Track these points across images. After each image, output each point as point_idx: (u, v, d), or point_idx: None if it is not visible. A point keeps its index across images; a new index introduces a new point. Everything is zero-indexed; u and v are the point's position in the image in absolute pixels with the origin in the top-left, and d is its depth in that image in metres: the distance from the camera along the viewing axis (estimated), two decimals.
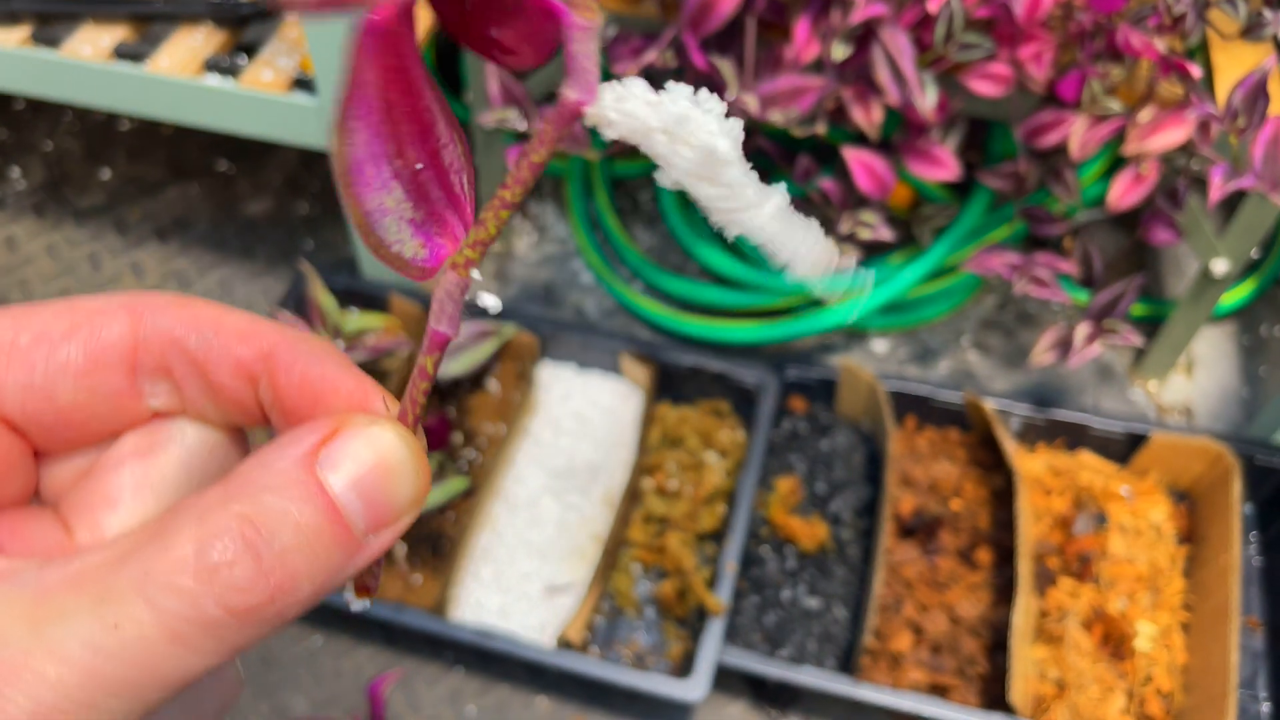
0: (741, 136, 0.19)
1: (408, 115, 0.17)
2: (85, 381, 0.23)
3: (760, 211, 0.19)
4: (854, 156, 0.88)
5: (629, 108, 0.18)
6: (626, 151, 1.30)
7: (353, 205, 0.19)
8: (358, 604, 0.25)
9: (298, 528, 0.19)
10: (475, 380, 1.08)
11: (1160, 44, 0.80)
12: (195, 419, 0.24)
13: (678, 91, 0.18)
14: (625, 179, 1.33)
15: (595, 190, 1.27)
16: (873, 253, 1.18)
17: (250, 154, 1.34)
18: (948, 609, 0.94)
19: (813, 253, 0.20)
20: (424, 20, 1.05)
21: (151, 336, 0.23)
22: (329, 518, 0.20)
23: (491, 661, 0.93)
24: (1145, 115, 0.86)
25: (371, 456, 0.21)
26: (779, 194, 0.19)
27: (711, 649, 0.86)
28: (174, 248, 1.24)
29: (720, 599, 0.88)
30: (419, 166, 0.19)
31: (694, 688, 0.84)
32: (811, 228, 0.20)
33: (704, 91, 0.18)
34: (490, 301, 0.29)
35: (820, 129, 0.85)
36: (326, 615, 0.96)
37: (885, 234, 0.90)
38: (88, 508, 0.23)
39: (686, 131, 0.18)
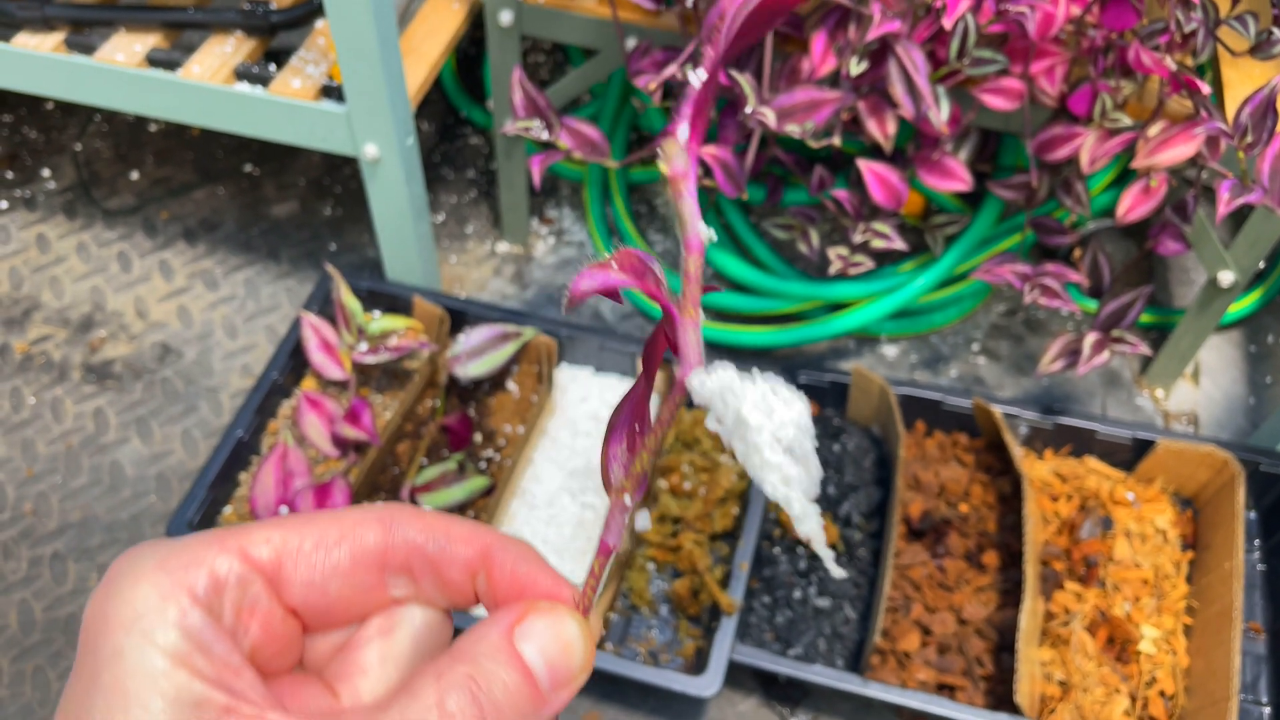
0: (796, 428, 0.24)
1: (638, 409, 0.29)
2: (349, 578, 0.30)
3: (775, 479, 0.25)
4: (868, 168, 0.90)
5: (710, 381, 0.25)
6: (642, 159, 1.32)
7: (603, 453, 0.29)
8: None
9: (505, 685, 0.27)
10: (495, 382, 1.11)
11: (1171, 61, 0.82)
12: (423, 604, 0.31)
13: (761, 381, 0.25)
14: (641, 184, 1.36)
15: (612, 195, 1.30)
16: (885, 260, 1.20)
17: (275, 156, 1.37)
18: (955, 610, 0.96)
19: (811, 519, 0.25)
20: (449, 32, 1.07)
21: (399, 543, 0.30)
22: (525, 678, 0.27)
23: None
24: (1155, 130, 0.88)
25: (553, 633, 0.28)
26: (794, 480, 0.25)
27: (724, 647, 0.88)
28: (201, 248, 1.27)
29: (733, 598, 0.91)
30: (636, 429, 0.29)
31: (707, 684, 0.86)
32: (812, 514, 0.25)
33: (782, 384, 0.25)
34: (642, 522, 0.32)
35: (836, 141, 0.88)
36: None
37: (898, 244, 0.92)
38: (346, 675, 0.30)
39: (734, 399, 0.24)
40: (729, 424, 0.25)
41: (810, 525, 0.26)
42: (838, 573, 0.27)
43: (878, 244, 0.91)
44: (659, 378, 1.06)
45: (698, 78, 0.25)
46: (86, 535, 1.03)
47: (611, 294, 0.27)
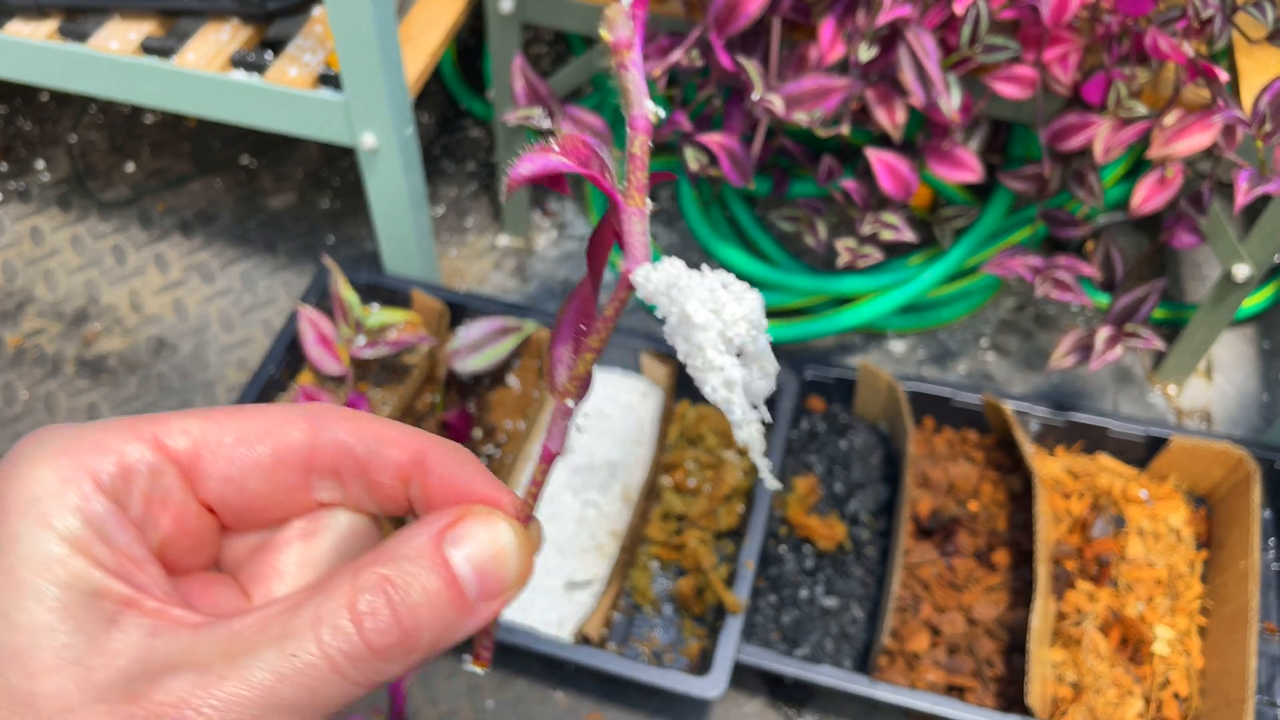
0: (749, 324, 0.23)
1: (585, 309, 0.27)
2: (271, 476, 0.28)
3: (717, 381, 0.23)
4: (877, 157, 0.88)
5: (656, 275, 0.24)
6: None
7: (549, 355, 0.28)
8: (476, 670, 0.31)
9: (424, 589, 0.25)
10: (496, 376, 1.09)
11: (1188, 47, 0.80)
12: (350, 509, 0.30)
13: (712, 275, 0.23)
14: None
15: None
16: (893, 254, 1.18)
17: (273, 148, 1.35)
18: (965, 610, 0.94)
19: (752, 425, 0.24)
20: (449, 20, 1.06)
21: (327, 443, 0.28)
22: (448, 583, 0.25)
23: (510, 656, 0.94)
24: (1171, 119, 0.86)
25: (487, 540, 0.26)
26: (732, 370, 0.24)
27: (730, 647, 0.87)
28: (197, 241, 1.25)
29: (739, 597, 0.89)
30: (581, 329, 0.27)
31: (713, 685, 0.84)
32: (753, 420, 0.24)
33: (733, 278, 0.23)
34: (581, 436, 0.30)
35: (844, 129, 0.86)
36: None
37: (908, 235, 0.90)
38: (261, 578, 0.29)
39: (681, 295, 0.23)
40: (673, 322, 0.24)
41: (750, 431, 0.24)
42: (773, 484, 0.24)
43: (886, 235, 0.89)
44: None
45: None
46: None
47: (555, 182, 0.25)
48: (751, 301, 0.24)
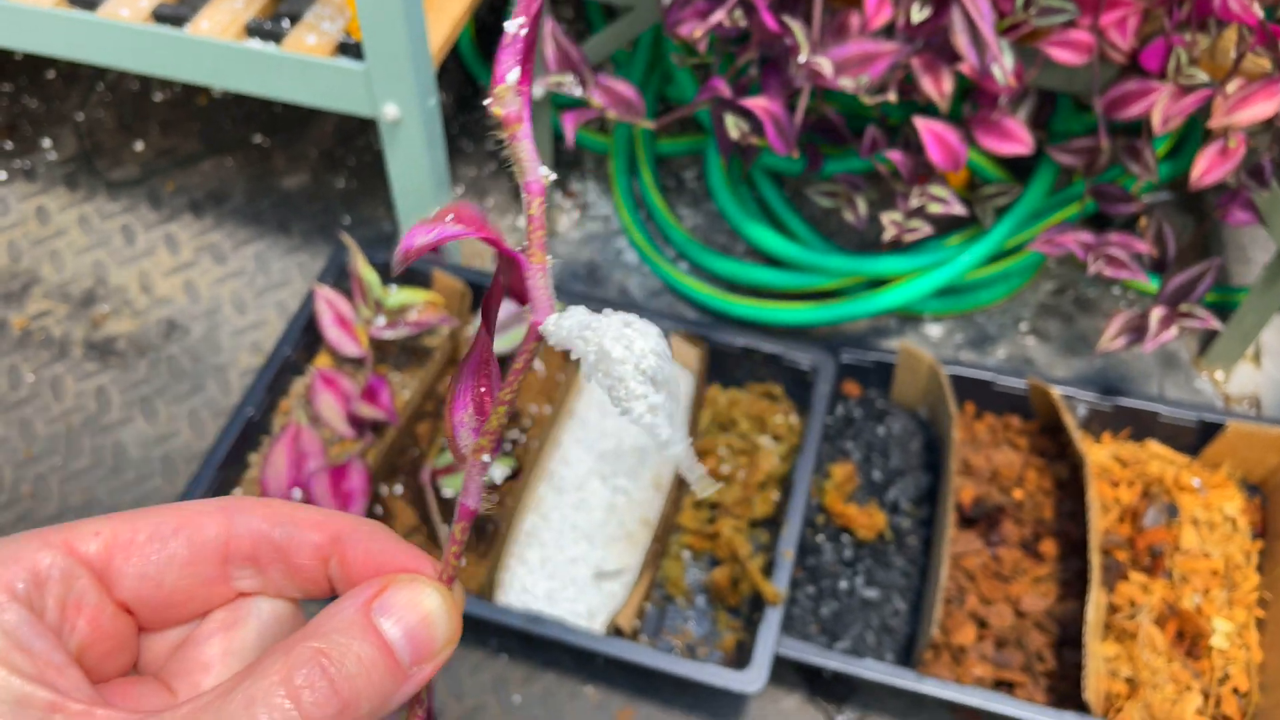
0: (656, 356, 0.25)
1: (483, 366, 0.28)
2: (187, 570, 0.28)
3: (642, 408, 0.25)
4: (926, 127, 0.84)
5: (565, 322, 0.26)
6: (675, 126, 1.26)
7: (448, 420, 0.29)
8: None
9: (359, 658, 0.25)
10: None
11: (1259, 8, 0.75)
12: (270, 595, 0.30)
13: (615, 315, 0.25)
14: (670, 157, 1.30)
15: (640, 168, 1.24)
16: (941, 228, 1.14)
17: (286, 127, 1.31)
18: (1013, 602, 0.90)
19: (679, 444, 0.26)
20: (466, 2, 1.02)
21: (243, 532, 0.29)
22: (381, 651, 0.26)
23: (537, 649, 0.90)
24: (1233, 87, 0.82)
25: (413, 605, 0.27)
26: (652, 400, 0.25)
27: (769, 639, 0.83)
28: (208, 221, 1.21)
29: (777, 587, 0.85)
30: (483, 390, 0.29)
31: (752, 679, 0.80)
32: (680, 438, 0.26)
33: (635, 317, 0.25)
34: (498, 473, 0.32)
35: (891, 96, 0.82)
36: None
37: (957, 208, 0.86)
38: (185, 673, 0.29)
39: (594, 335, 0.25)
40: (591, 361, 0.26)
41: (679, 448, 0.26)
42: (707, 489, 0.26)
43: (934, 209, 0.85)
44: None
45: (516, 28, 0.26)
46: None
47: (437, 247, 0.27)
48: (655, 336, 0.26)
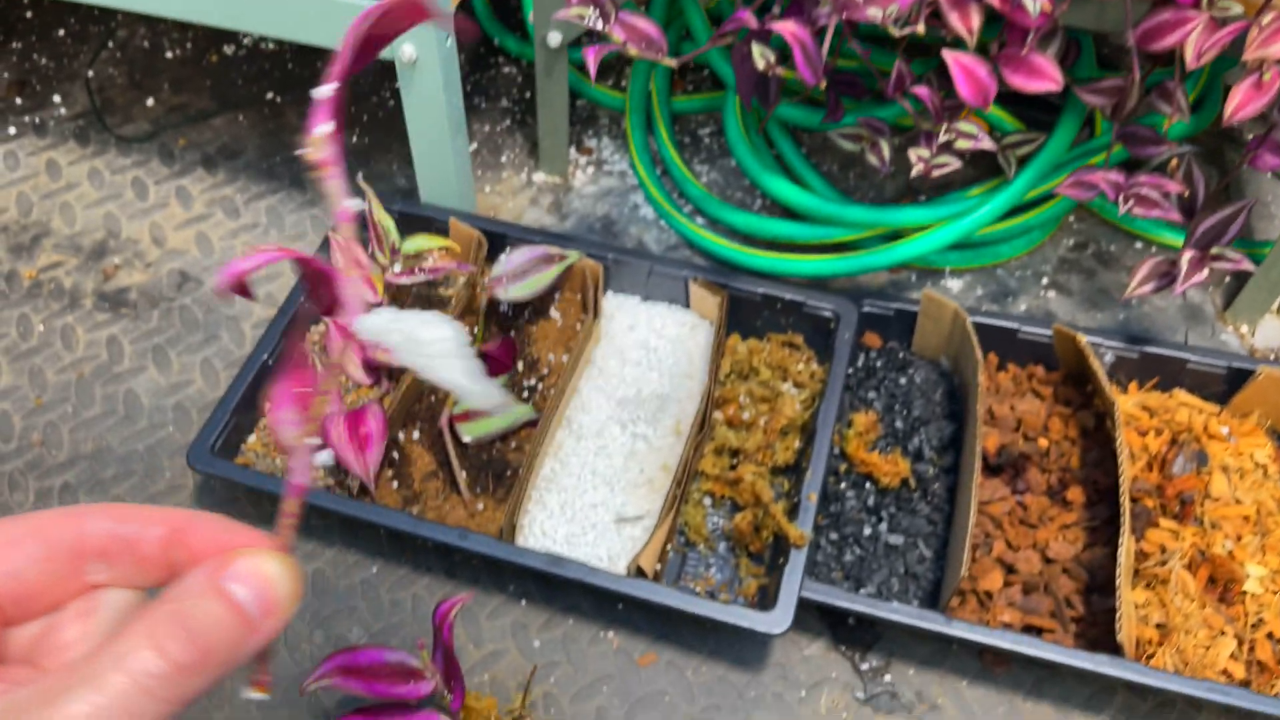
0: (450, 342, 0.32)
1: (299, 368, 0.35)
2: (45, 566, 0.32)
3: (446, 374, 0.33)
4: (955, 59, 0.82)
5: (374, 321, 0.32)
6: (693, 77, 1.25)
7: (271, 415, 0.39)
8: (255, 695, 0.36)
9: (209, 613, 0.30)
10: (538, 309, 1.03)
11: None
12: (121, 586, 0.34)
13: (412, 313, 0.32)
14: (686, 114, 1.28)
15: (656, 124, 1.22)
16: (949, 188, 1.13)
17: (298, 84, 1.30)
18: (1040, 549, 0.89)
19: (479, 392, 0.33)
20: None
21: (92, 532, 0.33)
22: (231, 608, 0.30)
23: (556, 594, 0.89)
24: (1268, 19, 0.81)
25: (255, 568, 0.31)
26: (464, 358, 0.33)
27: (794, 581, 0.81)
28: (221, 176, 1.19)
29: (802, 530, 0.83)
30: (302, 390, 0.34)
31: (777, 620, 0.79)
32: (479, 391, 0.33)
33: (431, 314, 0.32)
34: (323, 457, 0.33)
35: (919, 28, 0.80)
36: (381, 544, 0.91)
37: (987, 143, 0.85)
38: (48, 654, 0.33)
39: (402, 325, 0.32)
40: (403, 346, 0.32)
41: (480, 393, 0.33)
42: (494, 402, 0.36)
43: (963, 145, 0.84)
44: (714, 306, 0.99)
45: (326, 92, 0.31)
46: (100, 467, 0.96)
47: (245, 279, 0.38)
48: (446, 327, 0.33)
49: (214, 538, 0.33)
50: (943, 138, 0.85)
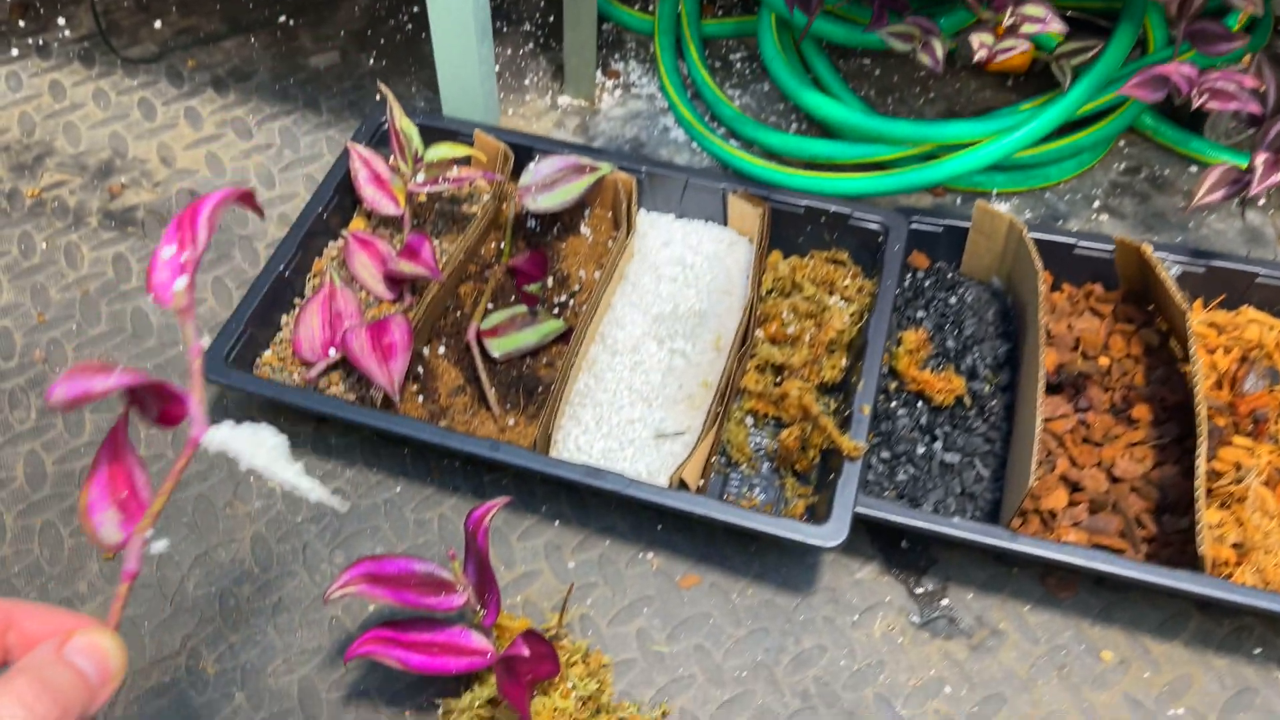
0: (277, 449, 0.41)
1: (119, 459, 0.41)
2: None
3: (281, 476, 0.41)
4: None
5: (221, 433, 0.40)
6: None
7: (84, 516, 0.40)
8: None
9: (62, 678, 0.36)
10: (566, 225, 0.98)
11: None
12: None
13: (249, 425, 0.40)
14: (716, 39, 1.23)
15: (686, 47, 1.17)
16: (993, 106, 1.07)
17: (312, 8, 1.24)
18: (1105, 467, 0.83)
19: (306, 487, 0.42)
20: None
21: None
22: (77, 674, 0.36)
23: (591, 514, 0.84)
24: None
25: (94, 644, 0.37)
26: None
27: (848, 493, 0.76)
28: (232, 98, 1.14)
29: (856, 441, 0.78)
30: (124, 493, 0.41)
31: (832, 533, 0.74)
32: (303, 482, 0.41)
33: (264, 427, 0.40)
34: (159, 546, 0.34)
35: None
36: (404, 463, 0.86)
37: (1055, 25, 0.79)
38: None
39: (244, 435, 0.40)
40: (245, 453, 0.39)
41: (304, 486, 0.41)
42: (322, 500, 0.43)
43: (1029, 29, 0.79)
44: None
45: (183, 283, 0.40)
46: None
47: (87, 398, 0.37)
48: (276, 440, 0.40)
49: (43, 620, 0.38)
50: (1008, 21, 0.79)
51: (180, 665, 0.76)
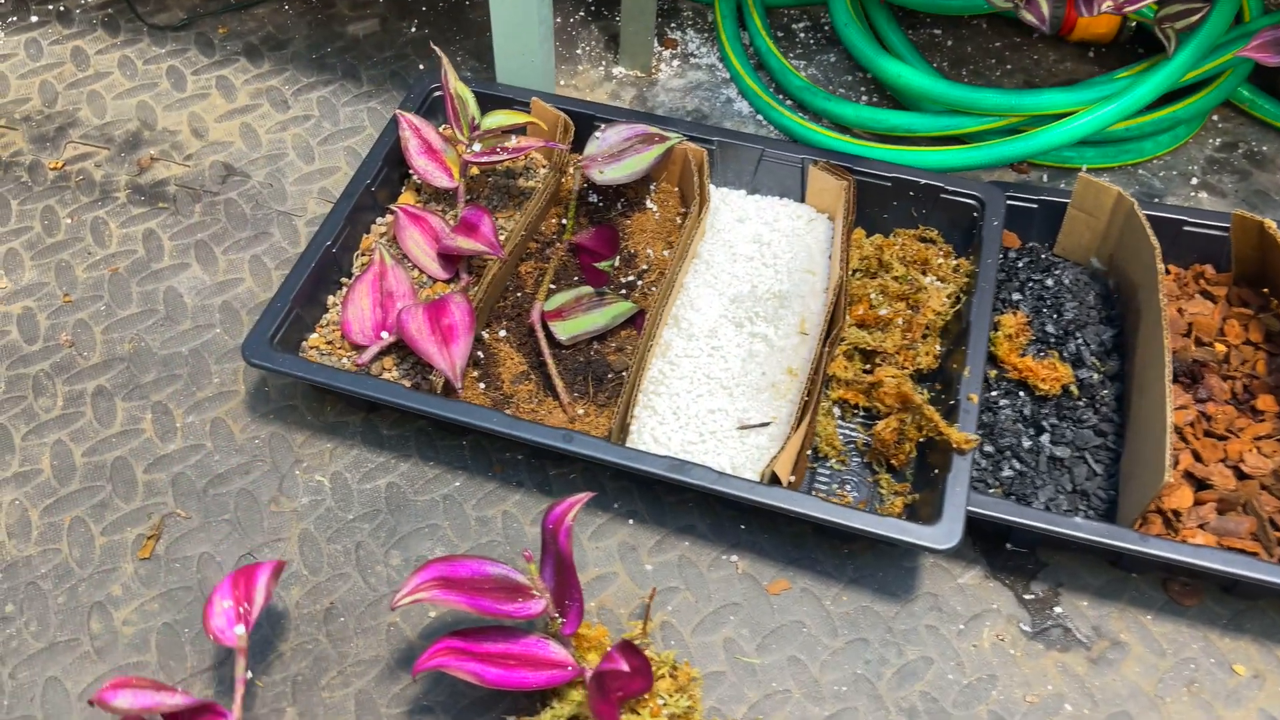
0: None
1: None
2: None
3: None
4: None
5: None
6: None
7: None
8: None
9: None
10: (631, 201, 0.91)
11: None
12: None
13: None
14: (778, 8, 1.16)
15: (749, 16, 1.10)
16: (1076, 78, 1.00)
17: None
18: (1232, 463, 0.76)
19: None
20: None
21: None
22: None
23: (668, 513, 0.77)
24: None
25: None
26: None
27: (959, 492, 0.69)
28: (266, 67, 1.07)
29: (967, 433, 0.71)
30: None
31: (944, 534, 0.67)
32: None
33: None
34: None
35: None
36: (463, 456, 0.79)
37: None
38: None
39: None
40: None
41: None
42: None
43: None
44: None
45: None
46: (138, 370, 0.84)
47: None
48: None
49: None
50: None
51: (224, 676, 0.69)
